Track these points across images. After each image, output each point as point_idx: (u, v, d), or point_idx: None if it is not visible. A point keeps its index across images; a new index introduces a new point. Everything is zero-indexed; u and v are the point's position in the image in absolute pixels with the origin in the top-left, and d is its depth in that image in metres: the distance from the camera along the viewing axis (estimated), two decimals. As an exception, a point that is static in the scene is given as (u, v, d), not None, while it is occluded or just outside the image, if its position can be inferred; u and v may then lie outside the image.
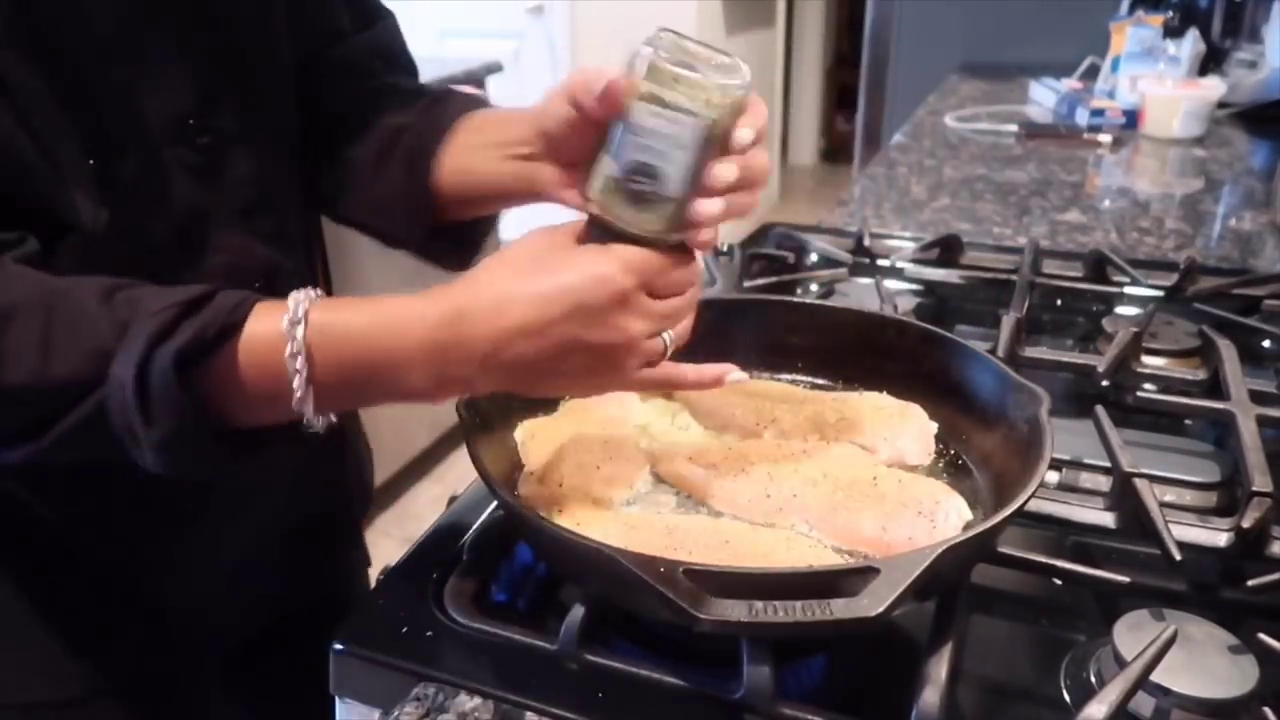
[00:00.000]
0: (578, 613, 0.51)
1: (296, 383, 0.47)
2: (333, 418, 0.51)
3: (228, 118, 0.61)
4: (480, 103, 0.71)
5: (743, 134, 0.50)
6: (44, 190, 0.52)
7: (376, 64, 0.75)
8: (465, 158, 0.67)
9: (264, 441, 0.51)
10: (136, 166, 0.56)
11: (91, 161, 0.53)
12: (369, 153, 0.70)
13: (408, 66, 0.78)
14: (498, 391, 0.56)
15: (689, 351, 0.74)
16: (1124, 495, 0.61)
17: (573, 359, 0.50)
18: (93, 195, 0.53)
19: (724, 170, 0.50)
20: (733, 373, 0.59)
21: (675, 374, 0.56)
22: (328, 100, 0.72)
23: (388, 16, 0.77)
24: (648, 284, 0.50)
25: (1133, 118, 1.81)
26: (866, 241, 1.07)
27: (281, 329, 0.47)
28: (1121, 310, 0.96)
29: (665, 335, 0.53)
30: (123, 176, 0.55)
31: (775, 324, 0.76)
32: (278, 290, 0.62)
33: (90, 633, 0.66)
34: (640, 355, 0.52)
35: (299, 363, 0.47)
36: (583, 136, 0.54)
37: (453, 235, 0.71)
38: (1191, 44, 1.88)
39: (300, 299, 0.48)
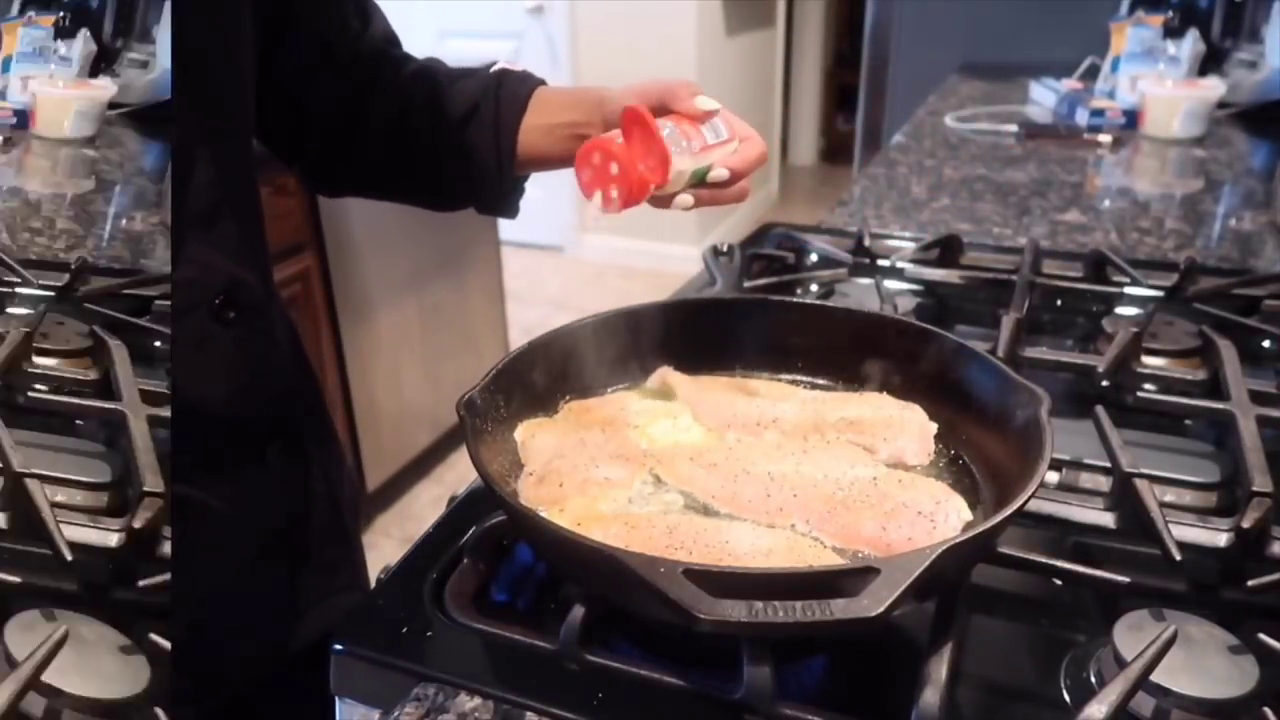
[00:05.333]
0: (578, 613, 0.51)
1: None
2: None
3: (190, 118, 0.60)
4: (534, 79, 0.78)
5: None
6: None
7: (395, 50, 0.81)
8: (532, 136, 0.76)
9: None
10: None
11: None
12: (443, 128, 0.77)
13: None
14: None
15: (690, 351, 0.75)
16: (1124, 495, 0.61)
17: None
18: None
19: None
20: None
21: None
22: (352, 91, 0.76)
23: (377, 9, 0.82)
24: None
25: (1133, 118, 1.81)
26: (866, 242, 1.07)
27: None
28: (1121, 310, 0.96)
29: None
30: None
31: (775, 324, 0.76)
32: (238, 306, 0.61)
33: None
34: None
35: None
36: None
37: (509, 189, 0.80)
38: (1191, 44, 1.88)
39: None
